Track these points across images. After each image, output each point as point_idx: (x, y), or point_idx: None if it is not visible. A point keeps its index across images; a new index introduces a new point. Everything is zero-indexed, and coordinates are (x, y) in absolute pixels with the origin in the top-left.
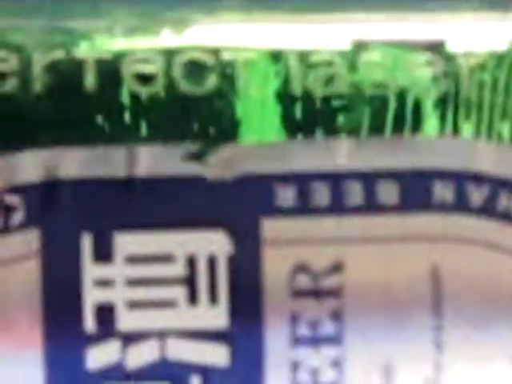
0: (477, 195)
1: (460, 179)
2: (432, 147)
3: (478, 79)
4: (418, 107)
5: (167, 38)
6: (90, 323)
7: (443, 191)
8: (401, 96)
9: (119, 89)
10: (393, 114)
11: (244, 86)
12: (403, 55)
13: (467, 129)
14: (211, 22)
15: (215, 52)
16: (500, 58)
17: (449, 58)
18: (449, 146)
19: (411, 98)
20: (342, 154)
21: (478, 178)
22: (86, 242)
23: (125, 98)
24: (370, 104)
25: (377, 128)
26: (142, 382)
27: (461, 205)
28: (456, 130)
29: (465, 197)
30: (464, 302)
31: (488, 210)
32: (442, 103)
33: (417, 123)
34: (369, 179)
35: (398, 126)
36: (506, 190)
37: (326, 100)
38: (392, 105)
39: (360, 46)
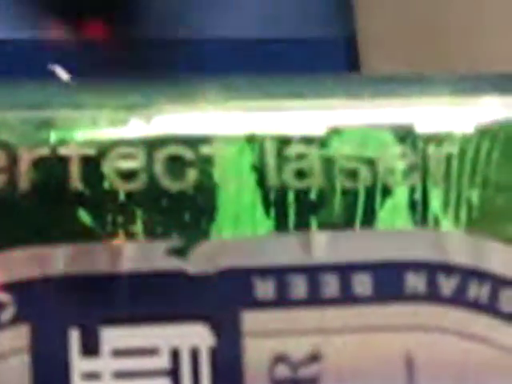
0: (447, 285)
1: (431, 270)
2: (403, 239)
3: (446, 154)
4: (386, 190)
5: (146, 129)
6: None
7: (415, 282)
8: (371, 174)
9: (102, 185)
10: (364, 203)
11: (222, 180)
12: (374, 137)
13: (436, 196)
14: (190, 113)
15: (194, 146)
16: (468, 141)
17: (417, 138)
18: (420, 237)
19: (382, 169)
20: (317, 247)
21: (449, 269)
22: (74, 337)
23: (107, 194)
24: (342, 196)
25: (349, 220)
26: None
27: (432, 295)
28: (425, 197)
29: (436, 287)
30: None
31: (458, 300)
32: (410, 173)
33: (386, 194)
34: (344, 272)
35: (369, 216)
36: (475, 279)
37: (301, 193)
38: (362, 193)
39: (334, 132)
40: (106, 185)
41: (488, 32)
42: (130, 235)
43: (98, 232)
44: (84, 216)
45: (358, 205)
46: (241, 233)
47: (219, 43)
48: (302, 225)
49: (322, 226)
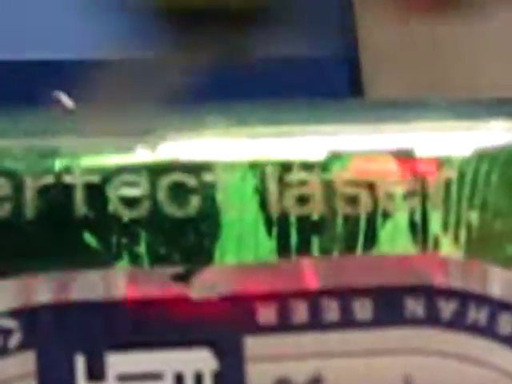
0: (446, 309)
1: (431, 294)
2: (403, 264)
3: (445, 178)
4: (387, 213)
5: (149, 156)
6: None
7: (415, 306)
8: (372, 198)
9: (107, 211)
10: (365, 227)
11: (225, 205)
12: (374, 161)
13: (436, 218)
14: (193, 140)
15: (197, 173)
16: (467, 164)
17: (416, 163)
18: (420, 262)
19: (382, 193)
20: (317, 273)
21: (448, 293)
22: (79, 363)
23: (112, 221)
24: (343, 221)
25: (351, 244)
26: None
27: (432, 318)
28: (425, 219)
29: (435, 311)
30: None
31: (457, 323)
32: (410, 196)
33: (386, 217)
34: (345, 297)
35: (371, 238)
36: (474, 303)
37: (302, 217)
38: (363, 218)
39: (335, 157)
40: (111, 211)
41: (488, 58)
42: (135, 258)
43: (104, 256)
44: (89, 240)
45: (359, 229)
46: (244, 255)
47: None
48: (303, 248)
49: (323, 250)
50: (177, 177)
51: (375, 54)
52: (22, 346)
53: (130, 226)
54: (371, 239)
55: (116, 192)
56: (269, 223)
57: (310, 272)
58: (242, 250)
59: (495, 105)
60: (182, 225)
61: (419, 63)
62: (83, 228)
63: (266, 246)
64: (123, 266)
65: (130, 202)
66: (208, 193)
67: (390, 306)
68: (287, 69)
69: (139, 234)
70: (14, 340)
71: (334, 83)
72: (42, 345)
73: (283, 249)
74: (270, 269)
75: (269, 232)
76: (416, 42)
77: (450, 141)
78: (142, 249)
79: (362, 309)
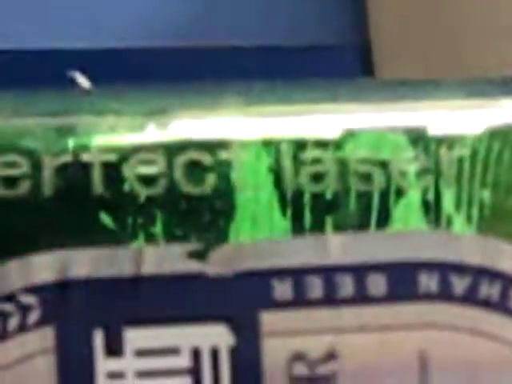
0: (460, 285)
1: (444, 270)
2: (416, 240)
3: (457, 156)
4: (400, 191)
5: (165, 135)
6: None
7: (428, 281)
8: (385, 172)
9: (123, 190)
10: (378, 205)
11: (240, 183)
12: (388, 140)
13: (449, 196)
14: (208, 118)
15: (212, 151)
16: (479, 142)
17: (430, 141)
18: (432, 238)
19: (395, 171)
20: (333, 249)
21: (461, 269)
22: (98, 338)
23: (128, 199)
24: (357, 199)
25: (364, 222)
26: None
27: (445, 294)
28: (438, 197)
29: (449, 286)
30: (448, 383)
31: (470, 299)
32: (423, 174)
33: (399, 195)
34: (359, 272)
35: (384, 217)
36: (487, 278)
37: (316, 195)
38: (377, 196)
39: (348, 135)
40: (127, 189)
41: (501, 38)
42: (151, 237)
43: (120, 235)
44: (106, 219)
45: (372, 207)
46: (258, 233)
47: (235, 51)
48: (317, 225)
49: (337, 227)
50: (193, 155)
51: (386, 38)
52: (41, 322)
53: (146, 206)
54: (384, 217)
55: (133, 170)
56: (283, 201)
57: (324, 249)
58: (257, 228)
59: (507, 83)
60: (197, 203)
61: (431, 46)
62: (100, 207)
63: (280, 224)
64: (140, 243)
65: (147, 180)
66: (223, 171)
67: (403, 281)
68: (299, 55)
69: (155, 214)
70: (33, 316)
71: (345, 69)
72: (61, 321)
73: (298, 226)
74: (285, 246)
75: (283, 210)
76: (427, 24)
77: (462, 119)
78: (157, 229)
79: (376, 285)
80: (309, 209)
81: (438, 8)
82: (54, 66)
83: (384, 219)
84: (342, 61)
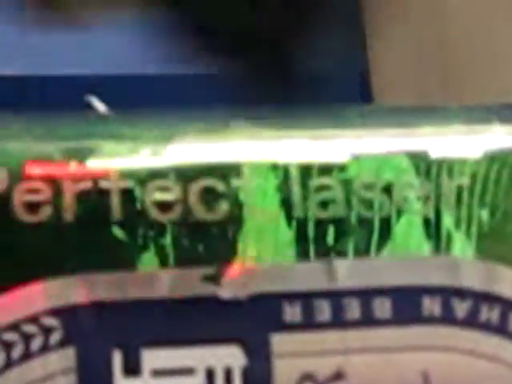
0: (461, 308)
1: (446, 294)
2: (419, 265)
3: (457, 179)
4: (401, 211)
5: (180, 159)
6: None
7: (431, 305)
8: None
9: (141, 216)
10: (380, 227)
11: (251, 211)
12: (391, 164)
13: (449, 215)
14: (219, 143)
15: (226, 178)
16: (478, 166)
17: (431, 165)
18: (434, 264)
19: (398, 193)
20: (339, 274)
21: (461, 293)
22: (116, 358)
23: (146, 225)
24: (362, 226)
25: (368, 248)
26: None
27: (447, 317)
28: (438, 216)
29: (450, 310)
30: None
31: (471, 322)
32: (425, 196)
33: (401, 214)
34: (365, 296)
35: (386, 236)
36: (487, 303)
37: (324, 223)
38: (378, 220)
39: (353, 160)
40: (145, 216)
41: (499, 69)
42: (166, 264)
43: (131, 248)
44: (125, 245)
45: (374, 229)
46: (269, 260)
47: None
48: (326, 252)
49: (342, 250)
50: (207, 182)
51: (385, 66)
52: (63, 343)
53: (164, 230)
54: (386, 239)
55: (150, 196)
56: (289, 220)
57: (331, 273)
58: (263, 244)
59: (505, 110)
60: (211, 228)
61: (429, 75)
62: (119, 233)
63: (284, 240)
64: (150, 256)
65: (163, 206)
66: (234, 194)
67: (407, 305)
68: (297, 82)
69: (166, 228)
70: (55, 337)
71: (346, 97)
72: (82, 342)
73: (302, 239)
74: (294, 271)
75: (289, 225)
76: (426, 52)
77: (461, 144)
78: (167, 241)
79: (382, 308)
80: (313, 229)
81: (435, 38)
82: (66, 91)
83: (386, 241)
84: (342, 88)
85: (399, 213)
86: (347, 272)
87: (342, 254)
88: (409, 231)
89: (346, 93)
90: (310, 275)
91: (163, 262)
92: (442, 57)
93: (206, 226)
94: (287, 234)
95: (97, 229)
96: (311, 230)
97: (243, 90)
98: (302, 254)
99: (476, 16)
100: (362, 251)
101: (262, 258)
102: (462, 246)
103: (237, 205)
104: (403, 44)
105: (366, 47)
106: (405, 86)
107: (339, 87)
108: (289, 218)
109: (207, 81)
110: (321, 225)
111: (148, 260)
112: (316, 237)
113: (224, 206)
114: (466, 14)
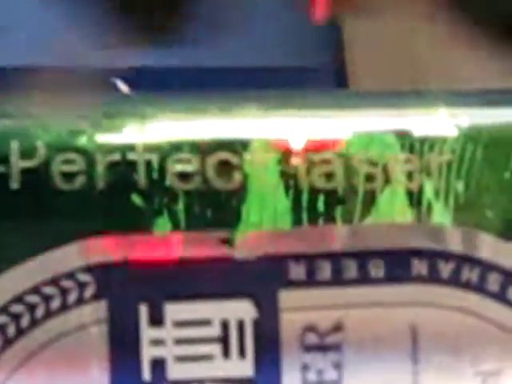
0: (445, 269)
1: (432, 257)
2: (408, 232)
3: (438, 154)
4: (388, 181)
5: (198, 135)
6: (146, 374)
7: (419, 267)
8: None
9: (163, 185)
10: (368, 197)
11: (259, 183)
12: (378, 139)
13: (429, 186)
14: (234, 120)
15: (237, 152)
16: (455, 143)
17: (414, 141)
18: (421, 231)
19: (387, 167)
20: (339, 238)
21: (445, 256)
22: (143, 311)
23: (167, 193)
24: (350, 196)
25: (364, 215)
26: None
27: (433, 277)
28: (420, 189)
29: (436, 270)
30: (435, 352)
31: (454, 281)
32: (410, 169)
33: (387, 185)
34: (361, 258)
35: (372, 204)
36: (467, 264)
37: (327, 193)
38: (368, 191)
39: (349, 138)
40: (167, 185)
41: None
42: (186, 227)
43: (147, 213)
44: (138, 203)
45: (365, 199)
46: (265, 213)
47: (212, 72)
48: (327, 219)
49: (343, 218)
50: (222, 155)
51: (360, 61)
52: (96, 297)
53: (184, 199)
54: (374, 206)
55: (172, 168)
56: (287, 190)
57: (334, 237)
58: (264, 210)
59: (479, 94)
60: (226, 197)
61: (399, 71)
62: (143, 200)
63: (283, 207)
64: (164, 221)
65: (184, 177)
66: (247, 170)
67: (399, 266)
68: (274, 79)
69: (193, 205)
70: (89, 291)
71: (321, 87)
72: (112, 296)
73: (297, 206)
74: (301, 234)
75: (298, 203)
76: (397, 51)
77: (441, 124)
78: (180, 207)
79: (376, 268)
80: (308, 196)
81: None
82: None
83: (371, 209)
84: (319, 81)
85: (386, 184)
86: (346, 236)
87: (337, 219)
88: (395, 199)
89: (323, 86)
90: (313, 239)
91: (176, 226)
92: (409, 53)
93: (216, 195)
94: (285, 201)
95: (125, 196)
96: (307, 199)
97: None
98: (295, 208)
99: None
100: (356, 216)
101: (260, 216)
102: (441, 215)
103: (244, 176)
104: (377, 41)
105: (343, 44)
106: (379, 79)
107: (315, 79)
108: (286, 188)
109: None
110: (315, 195)
111: (162, 224)
112: (311, 204)
113: (237, 177)
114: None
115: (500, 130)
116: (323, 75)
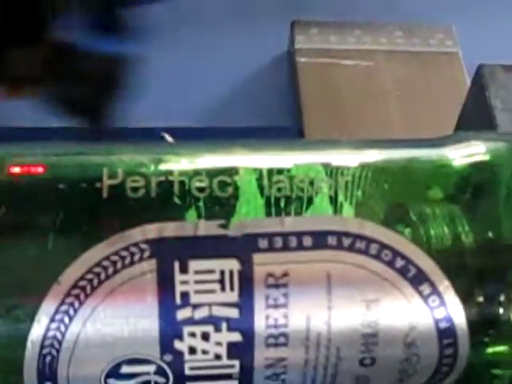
0: (346, 241)
1: (339, 235)
2: (329, 220)
3: (346, 176)
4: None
5: (208, 165)
6: (178, 300)
7: (332, 240)
8: None
9: (190, 193)
10: (307, 202)
11: (243, 191)
12: (312, 168)
13: (341, 193)
14: (230, 156)
15: (231, 175)
16: (355, 170)
17: (332, 169)
18: (335, 219)
19: (317, 184)
20: (286, 224)
21: (347, 234)
22: (176, 265)
23: (193, 198)
24: (298, 199)
25: (306, 209)
26: None
27: (339, 246)
28: (336, 196)
29: (340, 242)
30: (340, 288)
31: (352, 249)
32: (331, 186)
33: (318, 196)
34: (300, 235)
35: (309, 207)
36: (359, 239)
37: (284, 198)
38: (307, 198)
39: (295, 166)
40: (192, 193)
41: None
42: (198, 209)
43: (182, 207)
44: (181, 206)
45: (304, 203)
46: (250, 209)
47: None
48: (277, 204)
49: (291, 211)
50: (221, 178)
51: (315, 122)
52: (150, 257)
53: (200, 202)
54: (310, 207)
55: (192, 185)
56: (261, 195)
57: (285, 223)
58: (249, 206)
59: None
60: (226, 200)
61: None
62: (178, 199)
63: (259, 204)
64: (192, 213)
65: (199, 190)
66: (235, 183)
67: (321, 239)
68: (241, 136)
69: (208, 206)
70: (146, 254)
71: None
72: (160, 257)
73: (268, 206)
74: (266, 222)
75: (261, 198)
76: (347, 112)
77: (346, 159)
78: (201, 203)
79: (307, 241)
80: (273, 199)
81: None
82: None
83: (310, 206)
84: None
85: (316, 193)
86: (291, 222)
87: (288, 212)
88: (322, 201)
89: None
90: (272, 224)
91: (199, 217)
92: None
93: (220, 199)
94: (261, 202)
95: (167, 201)
96: (272, 201)
97: None
98: (267, 207)
99: None
100: (299, 211)
101: (249, 214)
102: (347, 211)
103: (236, 188)
104: (328, 103)
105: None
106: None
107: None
108: (261, 194)
109: None
110: (277, 199)
111: (191, 215)
112: (275, 204)
113: (230, 189)
114: None
115: (382, 163)
116: (284, 134)
